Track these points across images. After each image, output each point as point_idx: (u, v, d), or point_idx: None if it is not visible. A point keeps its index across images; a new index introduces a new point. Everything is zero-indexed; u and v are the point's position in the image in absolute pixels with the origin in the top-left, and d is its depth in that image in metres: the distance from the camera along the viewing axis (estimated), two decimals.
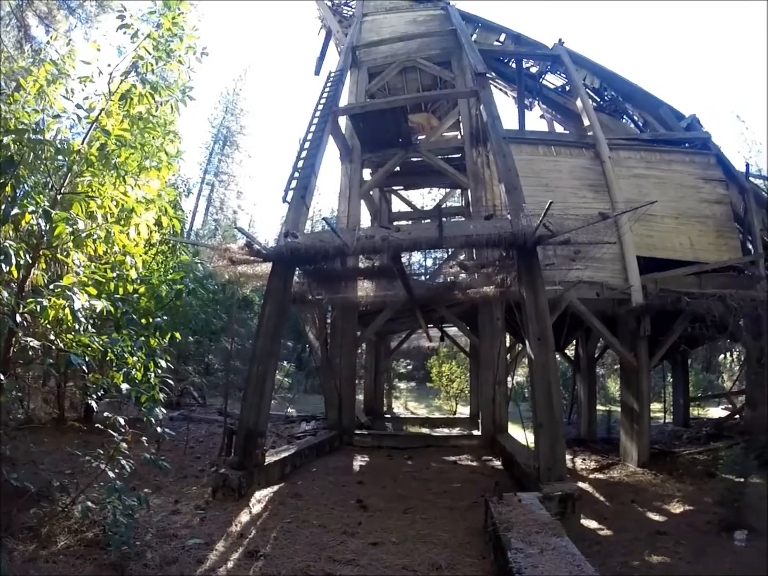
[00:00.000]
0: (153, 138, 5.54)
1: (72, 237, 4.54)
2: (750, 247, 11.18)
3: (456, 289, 10.43)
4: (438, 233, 7.40)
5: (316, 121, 10.87)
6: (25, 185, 4.55)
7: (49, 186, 4.94)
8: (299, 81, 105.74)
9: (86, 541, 4.45)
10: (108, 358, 4.71)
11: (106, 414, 4.78)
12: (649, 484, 8.29)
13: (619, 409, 11.59)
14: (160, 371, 5.23)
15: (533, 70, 15.35)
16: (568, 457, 8.20)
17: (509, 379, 11.45)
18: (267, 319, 7.96)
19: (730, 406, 14.39)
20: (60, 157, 4.90)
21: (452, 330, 15.94)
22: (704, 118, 12.80)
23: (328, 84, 12.15)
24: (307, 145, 10.23)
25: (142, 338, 5.25)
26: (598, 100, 14.54)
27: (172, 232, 7.21)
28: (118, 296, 5.23)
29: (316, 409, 15.83)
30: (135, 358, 4.91)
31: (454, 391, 20.46)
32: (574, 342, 14.40)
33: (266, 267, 8.65)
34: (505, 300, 9.63)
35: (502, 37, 15.30)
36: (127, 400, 5.09)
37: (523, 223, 7.22)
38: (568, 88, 14.58)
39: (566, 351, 14.91)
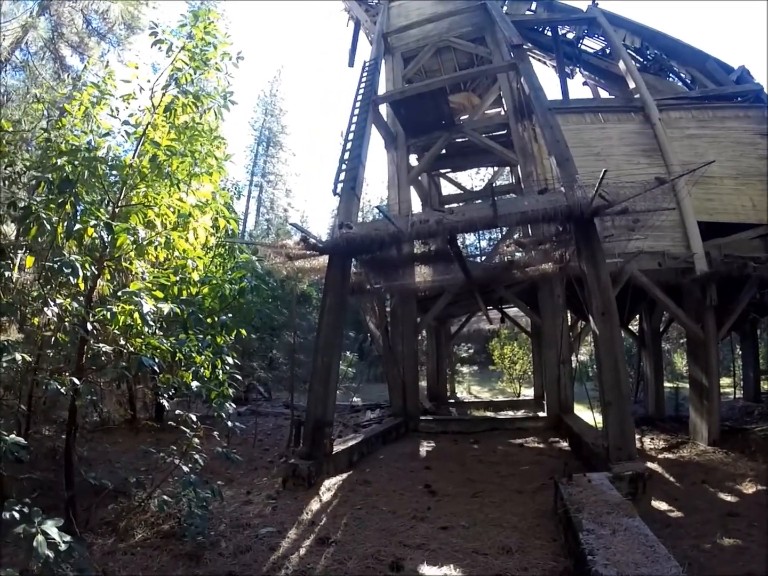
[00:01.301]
0: (201, 145, 5.68)
1: (134, 246, 4.74)
2: None
3: (514, 268, 10.22)
4: (492, 212, 7.26)
5: (356, 112, 10.91)
6: (83, 202, 4.77)
7: (106, 201, 5.15)
8: (334, 74, 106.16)
9: (163, 533, 4.67)
10: (177, 359, 4.87)
11: (177, 412, 4.99)
12: (721, 463, 7.92)
13: (686, 385, 11.15)
14: (227, 368, 5.41)
15: (570, 36, 14.78)
16: (636, 436, 7.93)
17: (573, 357, 11.17)
18: (328, 311, 8.09)
19: None
20: (114, 172, 5.11)
21: (512, 311, 15.66)
22: (754, 67, 11.97)
23: (364, 74, 12.14)
24: (350, 137, 10.29)
25: (209, 337, 5.42)
26: (641, 60, 13.79)
27: (229, 233, 7.42)
28: (183, 298, 5.41)
29: (380, 397, 16.00)
30: (203, 357, 5.09)
31: (517, 373, 20.19)
32: (637, 317, 13.91)
33: (323, 260, 8.77)
34: (565, 276, 9.42)
35: (534, 6, 14.88)
36: (197, 397, 5.30)
37: (578, 195, 6.97)
38: (608, 51, 13.99)
39: (630, 326, 14.38)
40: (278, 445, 9.69)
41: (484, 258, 17.86)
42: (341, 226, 8.27)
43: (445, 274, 10.70)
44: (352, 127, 10.50)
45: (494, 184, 17.91)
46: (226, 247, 9.48)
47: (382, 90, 12.94)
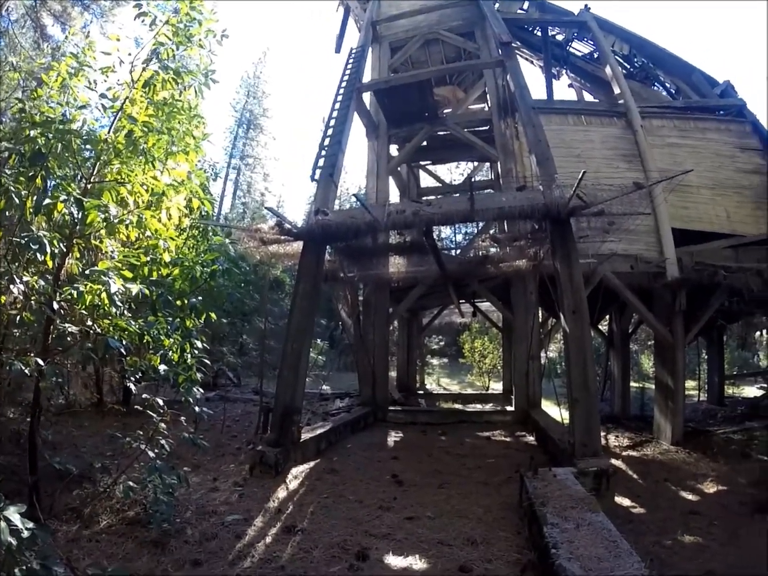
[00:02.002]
0: (179, 123, 5.55)
1: (104, 224, 4.61)
2: None
3: (488, 263, 10.31)
4: (470, 206, 7.27)
5: (340, 98, 10.82)
6: (55, 176, 4.62)
7: (79, 177, 4.99)
8: (319, 60, 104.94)
9: (128, 519, 4.61)
10: (145, 341, 4.76)
11: (144, 396, 4.90)
12: (683, 463, 8.15)
13: (653, 386, 11.42)
14: (196, 352, 5.32)
15: (559, 37, 14.90)
16: (601, 433, 8.12)
17: (542, 354, 11.34)
18: (300, 297, 8.04)
19: (765, 385, 14.06)
20: (88, 147, 4.95)
21: (484, 305, 15.79)
22: (738, 84, 12.24)
23: (350, 61, 12.03)
24: (332, 123, 10.20)
25: (178, 319, 5.31)
26: (628, 67, 14.01)
27: (203, 214, 7.27)
28: (153, 279, 5.30)
29: (349, 386, 16.01)
30: (171, 340, 4.99)
31: (487, 366, 20.42)
32: (607, 317, 14.17)
33: (297, 246, 8.69)
34: (539, 273, 9.50)
35: (526, 5, 14.91)
36: (164, 381, 5.21)
37: (556, 194, 7.05)
38: (596, 55, 14.15)
39: (599, 326, 14.68)
40: (246, 431, 9.63)
41: (459, 252, 17.99)
42: (317, 213, 8.22)
43: (419, 266, 10.71)
44: (334, 114, 10.41)
45: (473, 179, 18.03)
46: (200, 228, 9.33)
47: (367, 78, 12.82)
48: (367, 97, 12.83)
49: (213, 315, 6.19)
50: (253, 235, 8.74)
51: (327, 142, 9.78)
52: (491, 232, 13.00)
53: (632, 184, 7.07)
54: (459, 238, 28.15)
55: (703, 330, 10.71)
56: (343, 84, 11.21)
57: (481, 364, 20.55)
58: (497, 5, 14.46)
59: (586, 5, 13.50)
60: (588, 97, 15.11)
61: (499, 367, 19.25)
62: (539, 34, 14.65)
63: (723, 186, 10.40)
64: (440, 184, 19.96)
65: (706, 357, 15.27)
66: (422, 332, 19.85)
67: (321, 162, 9.46)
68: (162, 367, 4.83)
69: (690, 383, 14.72)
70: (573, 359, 6.83)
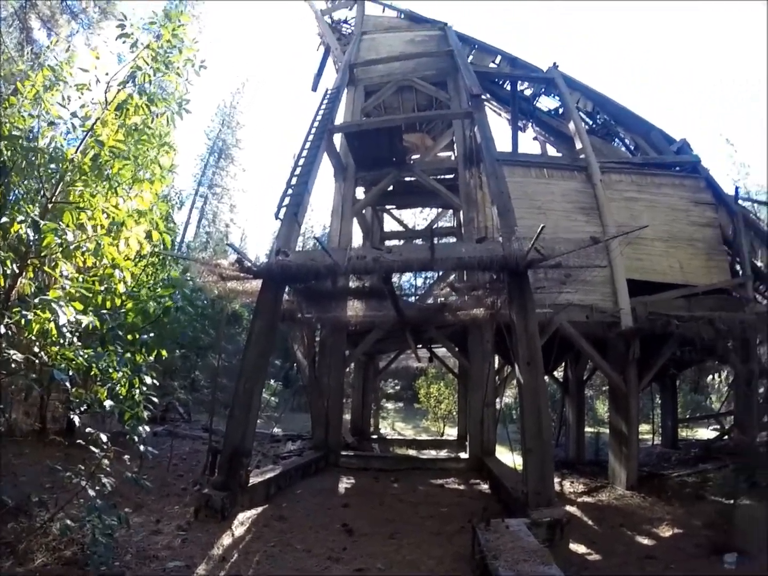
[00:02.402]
0: (147, 150, 5.51)
1: (61, 248, 4.48)
2: (739, 269, 11.30)
3: (446, 310, 10.40)
4: (430, 255, 7.36)
5: (311, 138, 10.94)
6: (17, 192, 4.50)
7: (41, 193, 4.88)
8: (296, 96, 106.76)
9: (64, 559, 4.32)
10: (92, 373, 4.59)
11: (88, 430, 4.66)
12: (638, 508, 8.23)
13: (607, 430, 11.56)
14: (145, 388, 5.12)
15: (527, 92, 15.62)
16: (556, 480, 8.13)
17: (498, 401, 11.39)
18: (256, 337, 7.87)
19: (718, 427, 14.51)
20: (53, 165, 4.87)
21: (441, 351, 15.83)
22: (694, 140, 13.08)
23: (325, 101, 12.24)
24: (301, 162, 10.27)
25: (128, 354, 5.15)
26: (591, 123, 14.78)
27: (162, 246, 7.13)
28: (105, 311, 5.16)
29: (302, 428, 15.63)
30: (120, 374, 4.81)
31: (442, 412, 20.31)
32: (563, 364, 14.41)
33: (256, 284, 8.55)
34: (495, 322, 9.61)
35: (498, 60, 15.64)
36: (110, 415, 4.99)
37: (514, 247, 7.21)
38: (561, 111, 14.86)
39: (555, 373, 14.90)
40: (193, 471, 9.24)
41: (418, 297, 18.12)
42: (278, 253, 8.19)
43: (377, 311, 10.70)
44: (304, 153, 10.50)
45: (435, 226, 18.36)
46: (160, 257, 9.15)
47: (340, 119, 13.07)
48: (337, 138, 13.00)
49: (164, 352, 6.02)
50: (212, 270, 8.60)
51: (294, 181, 9.83)
52: (451, 278, 13.18)
53: (589, 238, 7.32)
54: (419, 281, 28.42)
55: (657, 376, 11.01)
56: (316, 124, 11.36)
57: (436, 410, 20.45)
58: (471, 58, 15.18)
59: (554, 63, 14.24)
60: (551, 150, 15.79)
61: (454, 413, 19.21)
62: (508, 88, 15.32)
63: (677, 238, 10.92)
64: (403, 229, 20.22)
65: (660, 401, 15.60)
66: (378, 376, 19.71)
67: (287, 201, 9.46)
68: (108, 402, 4.63)
69: (644, 427, 15.05)
70: (527, 409, 6.87)
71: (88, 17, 13.14)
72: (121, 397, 4.81)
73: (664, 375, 12.02)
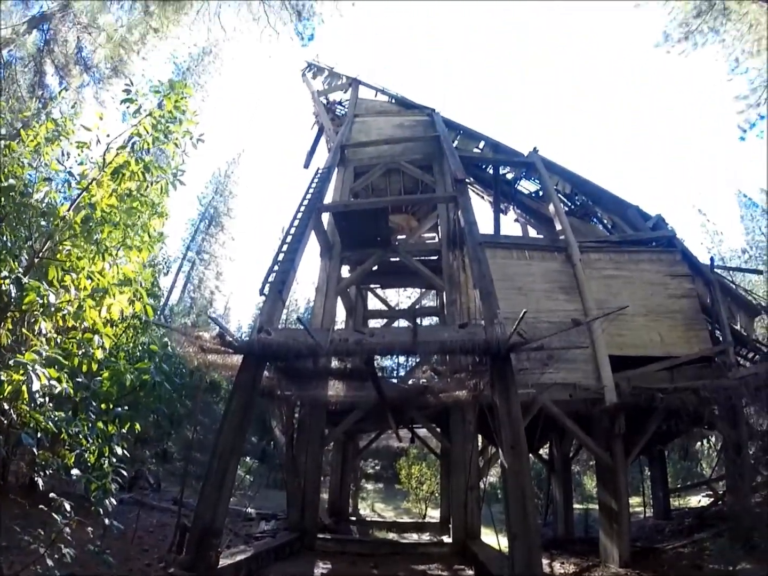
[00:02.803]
0: (138, 217, 5.59)
1: (42, 308, 4.46)
2: (719, 335, 11.40)
3: (428, 392, 10.29)
4: (412, 339, 7.41)
5: (300, 215, 11.15)
6: (6, 241, 4.51)
7: (30, 244, 4.90)
8: (288, 169, 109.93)
9: None
10: (62, 438, 4.50)
11: (52, 495, 4.44)
12: None
13: (596, 506, 11.30)
14: (115, 459, 4.97)
15: (509, 176, 16.27)
16: (545, 561, 7.80)
17: (482, 483, 11.08)
18: (232, 414, 7.68)
19: (711, 493, 14.25)
20: (44, 222, 4.91)
21: (422, 431, 15.57)
22: (670, 211, 13.58)
23: (315, 179, 12.59)
24: (289, 238, 10.41)
25: (100, 424, 5.03)
26: (570, 204, 15.34)
27: (144, 316, 7.09)
28: (81, 377, 5.10)
29: (277, 506, 15.02)
30: (90, 442, 4.70)
31: (424, 493, 19.65)
32: (548, 442, 14.22)
33: (237, 358, 8.47)
34: (478, 404, 9.52)
35: (482, 144, 16.33)
36: (76, 483, 4.79)
37: (497, 331, 7.28)
38: (541, 193, 15.36)
39: (541, 451, 14.68)
40: (159, 546, 8.81)
41: (400, 376, 18.02)
42: (260, 330, 8.17)
43: (358, 391, 10.56)
44: (292, 230, 10.67)
45: (418, 306, 18.54)
46: (141, 321, 9.08)
47: (329, 197, 13.36)
48: (325, 217, 13.24)
49: (138, 426, 5.87)
50: (193, 341, 8.53)
51: (281, 257, 9.93)
52: (434, 359, 13.14)
53: (570, 320, 7.42)
54: (402, 358, 28.30)
55: (644, 449, 10.95)
56: (305, 202, 11.62)
57: (418, 491, 19.79)
58: (456, 142, 15.83)
59: (534, 147, 14.87)
60: (532, 231, 16.27)
61: (437, 495, 18.60)
62: (491, 171, 15.94)
63: (656, 312, 11.06)
64: (387, 308, 20.32)
65: (649, 473, 15.33)
66: (358, 455, 19.27)
67: (272, 277, 9.52)
68: (75, 471, 4.51)
69: (635, 500, 14.71)
70: (511, 493, 6.67)
71: (100, 72, 13.57)
72: (89, 464, 4.69)
73: (652, 447, 11.89)
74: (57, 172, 5.29)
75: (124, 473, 5.23)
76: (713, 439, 16.09)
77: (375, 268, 14.81)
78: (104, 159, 5.26)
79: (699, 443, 18.12)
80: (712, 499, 13.16)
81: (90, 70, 13.44)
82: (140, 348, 9.23)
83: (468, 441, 10.74)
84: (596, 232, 14.60)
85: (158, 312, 20.80)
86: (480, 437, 12.25)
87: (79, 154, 5.40)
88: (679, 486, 17.06)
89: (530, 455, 11.36)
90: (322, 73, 20.19)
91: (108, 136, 5.34)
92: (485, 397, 8.44)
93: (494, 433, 7.50)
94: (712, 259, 13.50)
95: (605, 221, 14.93)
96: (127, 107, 5.49)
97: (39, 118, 5.99)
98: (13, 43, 11.16)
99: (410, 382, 11.84)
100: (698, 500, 15.53)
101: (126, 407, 5.90)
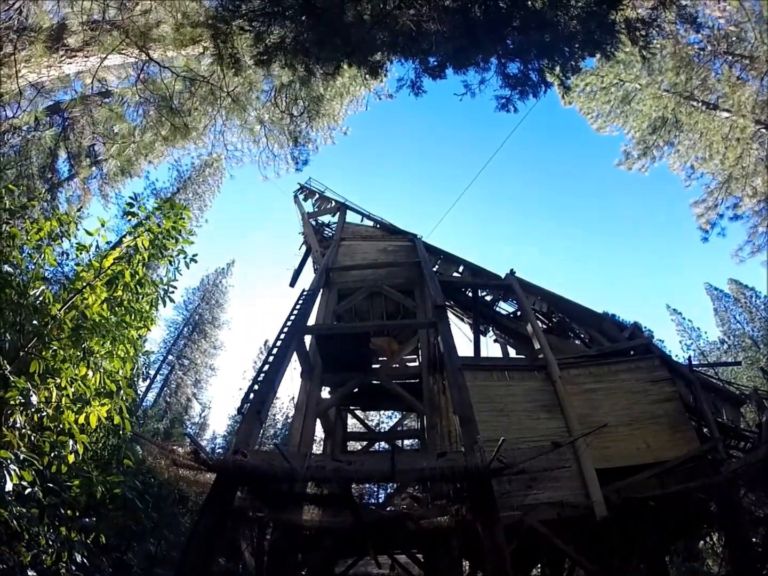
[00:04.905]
0: (126, 329, 5.76)
1: (21, 407, 4.50)
2: (707, 431, 11.28)
3: (408, 519, 9.95)
4: (390, 468, 7.34)
5: (283, 336, 11.34)
6: None
7: (19, 331, 5.01)
8: (276, 282, 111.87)
9: None
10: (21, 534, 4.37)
11: None
12: None
13: None
14: (73, 567, 4.81)
15: (488, 298, 16.82)
16: None
17: None
18: (200, 535, 7.27)
19: None
20: (35, 322, 5.07)
21: (403, 557, 14.73)
22: (646, 313, 13.93)
23: (300, 302, 12.94)
24: (271, 359, 10.50)
25: (63, 529, 4.93)
26: (547, 322, 15.76)
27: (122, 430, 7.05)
28: (51, 486, 5.04)
29: None
30: (50, 544, 4.60)
31: None
32: (539, 564, 13.55)
33: (209, 476, 8.28)
34: (461, 529, 9.23)
35: (461, 268, 17.08)
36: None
37: (476, 458, 7.28)
38: (519, 314, 15.80)
39: (534, 572, 13.91)
40: None
41: (379, 503, 17.42)
42: (236, 452, 8.03)
43: (335, 516, 10.14)
44: (274, 350, 10.79)
45: (398, 428, 18.45)
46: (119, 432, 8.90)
47: (312, 318, 13.58)
48: (307, 338, 13.29)
49: (103, 538, 5.70)
50: (166, 454, 8.34)
51: (261, 377, 9.96)
52: (414, 487, 12.82)
53: (551, 443, 7.46)
54: None
55: (643, 556, 10.43)
56: (288, 323, 11.85)
57: None
58: (437, 267, 16.62)
59: (511, 270, 15.58)
60: (512, 351, 16.44)
61: None
62: (470, 294, 16.50)
63: (640, 419, 10.94)
64: (366, 431, 20.14)
65: None
66: None
67: (251, 397, 9.48)
68: (31, 573, 4.40)
69: None
70: None
71: (108, 167, 14.10)
72: (45, 566, 4.58)
73: (651, 554, 11.32)
74: (54, 266, 5.53)
75: None
76: (715, 536, 15.39)
77: (356, 390, 14.82)
78: (101, 265, 5.53)
79: (702, 542, 17.26)
80: None
81: (99, 164, 14.12)
82: (109, 450, 9.03)
83: (453, 568, 10.22)
84: (574, 347, 14.81)
85: (132, 414, 20.16)
86: (465, 561, 11.70)
87: (77, 255, 5.68)
88: None
89: None
90: (313, 195, 21.59)
91: (108, 243, 5.69)
92: (468, 522, 8.23)
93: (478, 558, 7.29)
94: (689, 359, 13.74)
95: (583, 336, 15.25)
96: (129, 221, 5.90)
97: (46, 197, 6.30)
98: (34, 130, 11.74)
99: (389, 509, 11.44)
100: None
101: (93, 518, 5.76)
